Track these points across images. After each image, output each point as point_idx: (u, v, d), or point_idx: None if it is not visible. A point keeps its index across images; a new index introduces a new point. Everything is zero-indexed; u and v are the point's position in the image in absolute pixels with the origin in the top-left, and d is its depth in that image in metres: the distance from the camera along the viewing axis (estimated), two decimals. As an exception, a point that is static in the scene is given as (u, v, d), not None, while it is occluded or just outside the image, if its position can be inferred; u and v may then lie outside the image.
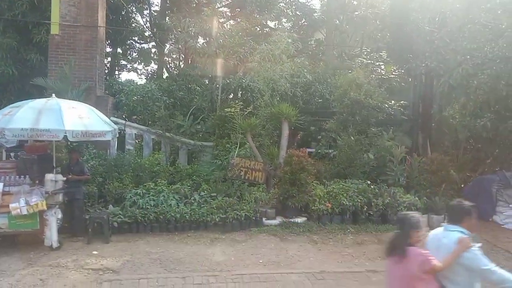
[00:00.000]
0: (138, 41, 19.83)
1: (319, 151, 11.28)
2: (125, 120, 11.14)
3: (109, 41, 15.65)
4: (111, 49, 17.53)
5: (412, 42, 9.95)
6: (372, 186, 8.98)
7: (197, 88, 11.80)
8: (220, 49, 9.99)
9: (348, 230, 8.26)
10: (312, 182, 9.08)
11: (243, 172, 8.99)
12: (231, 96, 10.55)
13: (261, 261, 6.57)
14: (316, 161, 10.73)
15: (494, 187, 9.28)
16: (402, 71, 13.23)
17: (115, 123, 10.45)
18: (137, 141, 11.02)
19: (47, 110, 6.60)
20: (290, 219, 8.47)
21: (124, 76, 22.60)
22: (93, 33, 10.36)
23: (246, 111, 9.23)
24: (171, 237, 7.71)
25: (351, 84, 9.67)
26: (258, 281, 5.74)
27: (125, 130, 10.54)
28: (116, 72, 19.39)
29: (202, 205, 8.29)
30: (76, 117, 6.68)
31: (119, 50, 18.70)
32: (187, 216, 7.97)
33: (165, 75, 18.74)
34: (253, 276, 5.88)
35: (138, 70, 22.31)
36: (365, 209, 8.53)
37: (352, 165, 9.70)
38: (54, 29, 10.31)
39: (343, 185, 8.89)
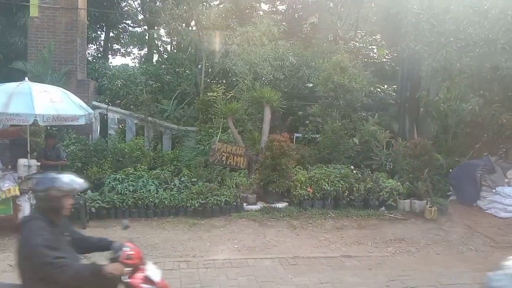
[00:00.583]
0: (132, 25, 19.49)
1: (306, 136, 11.19)
2: (108, 104, 11.03)
3: (99, 25, 15.38)
4: (103, 33, 17.22)
5: (400, 24, 9.77)
6: (354, 171, 8.89)
7: (187, 72, 11.61)
8: (203, 32, 9.77)
9: (329, 215, 8.20)
10: (294, 167, 9.03)
11: (224, 157, 8.89)
12: (215, 80, 10.35)
13: (236, 246, 6.53)
14: (303, 146, 10.67)
15: (479, 172, 9.20)
16: (395, 54, 13.06)
17: (97, 107, 10.41)
18: (120, 126, 10.90)
19: (18, 94, 6.45)
20: (271, 204, 8.40)
21: (119, 60, 22.19)
22: (73, 15, 10.15)
23: (228, 95, 9.06)
24: (149, 222, 7.66)
25: (335, 67, 9.50)
26: (229, 267, 5.69)
27: (107, 115, 10.43)
28: (110, 57, 19.15)
29: (182, 191, 8.23)
30: (48, 101, 6.53)
31: (112, 34, 18.38)
32: (166, 201, 7.91)
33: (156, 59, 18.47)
34: (225, 262, 5.83)
35: (132, 55, 22.03)
36: (346, 194, 8.46)
37: (336, 150, 9.61)
38: (34, 11, 10.09)
39: (325, 170, 8.80)
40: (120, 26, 17.57)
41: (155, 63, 14.90)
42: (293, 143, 11.53)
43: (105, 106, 10.41)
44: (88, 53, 16.14)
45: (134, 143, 9.08)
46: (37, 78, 8.80)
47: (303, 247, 6.60)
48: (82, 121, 6.94)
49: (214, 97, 9.10)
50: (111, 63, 16.43)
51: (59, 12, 10.04)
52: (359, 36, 17.71)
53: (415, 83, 11.04)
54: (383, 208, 8.57)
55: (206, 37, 9.78)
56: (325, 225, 7.76)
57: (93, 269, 2.71)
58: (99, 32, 16.29)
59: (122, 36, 19.64)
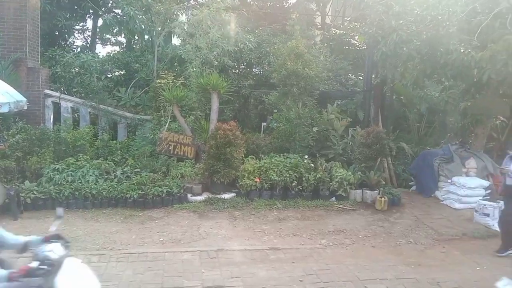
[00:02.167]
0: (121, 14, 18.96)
1: (270, 125, 10.88)
2: (64, 93, 10.76)
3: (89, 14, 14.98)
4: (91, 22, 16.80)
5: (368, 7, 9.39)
6: (305, 161, 8.59)
7: (144, 59, 11.28)
8: (155, 16, 9.41)
9: (275, 206, 7.94)
10: (247, 156, 8.75)
11: (172, 147, 8.62)
12: (169, 67, 10.02)
13: (162, 239, 6.27)
14: (267, 135, 10.38)
15: (436, 161, 8.88)
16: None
17: (49, 96, 10.14)
18: (76, 115, 10.65)
19: None
20: (217, 195, 8.14)
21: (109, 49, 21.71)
22: (23, 1, 9.79)
23: (177, 82, 8.74)
24: (85, 214, 7.42)
25: (290, 53, 9.13)
26: (144, 260, 5.44)
27: (60, 103, 10.17)
28: (100, 46, 18.74)
29: (123, 181, 7.98)
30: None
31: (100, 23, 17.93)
32: (104, 192, 7.66)
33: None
34: (141, 255, 5.58)
35: (123, 44, 21.54)
36: (294, 184, 8.17)
37: (291, 139, 9.29)
38: (-20, -4, 9.77)
39: (275, 159, 8.50)
40: (111, 15, 17.07)
41: (125, 51, 14.57)
42: (260, 132, 11.32)
43: (58, 94, 10.12)
44: (72, 43, 15.92)
45: (78, 132, 8.80)
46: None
47: (233, 240, 6.34)
48: (5, 109, 6.68)
49: (164, 85, 8.78)
50: (99, 52, 16.07)
51: (6, -3, 9.71)
52: (345, 24, 17.31)
53: (378, 70, 10.65)
54: (333, 198, 8.29)
55: (158, 22, 9.43)
56: (268, 216, 7.49)
57: None
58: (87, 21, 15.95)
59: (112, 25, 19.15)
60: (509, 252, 5.93)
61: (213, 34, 8.59)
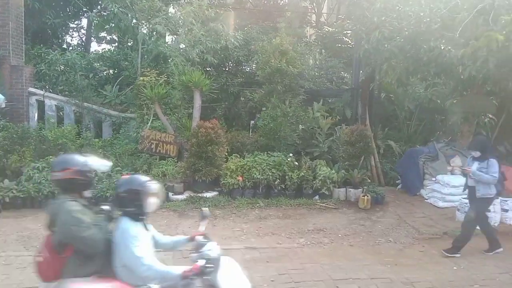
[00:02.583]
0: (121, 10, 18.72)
1: (257, 123, 10.80)
2: (49, 91, 10.68)
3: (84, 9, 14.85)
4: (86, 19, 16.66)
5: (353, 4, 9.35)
6: (289, 159, 8.51)
7: (130, 57, 11.20)
8: (139, 13, 9.32)
9: (258, 205, 7.87)
10: (231, 155, 8.68)
11: (154, 145, 8.55)
12: (154, 64, 9.92)
13: (137, 238, 6.19)
14: (254, 133, 10.31)
15: (421, 159, 8.81)
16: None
17: (33, 94, 10.07)
18: (61, 113, 10.56)
19: None
20: (199, 194, 8.08)
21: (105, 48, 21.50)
22: (5, -2, 9.71)
23: (160, 80, 8.66)
24: (64, 213, 7.35)
25: (274, 51, 9.05)
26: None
27: (44, 101, 10.09)
28: (96, 44, 18.63)
29: (104, 180, 7.90)
30: None
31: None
32: (84, 191, 7.58)
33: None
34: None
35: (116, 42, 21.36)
36: (276, 182, 8.10)
37: (275, 137, 9.22)
38: (-40, -6, 9.67)
39: (259, 158, 8.43)
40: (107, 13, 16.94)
41: (116, 49, 14.46)
42: (249, 130, 11.24)
43: (42, 92, 10.04)
44: (65, 41, 15.81)
45: (59, 130, 8.71)
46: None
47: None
48: (-22, 107, 6.58)
49: (146, 82, 8.69)
50: (95, 50, 15.91)
51: (-12, -5, 9.62)
52: (339, 21, 17.20)
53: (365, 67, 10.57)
54: (316, 197, 8.23)
55: (142, 19, 9.34)
56: (249, 215, 7.43)
57: None
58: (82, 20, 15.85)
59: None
60: (458, 255, 5.79)
61: (196, 31, 8.49)
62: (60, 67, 10.34)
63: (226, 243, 6.11)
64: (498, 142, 11.01)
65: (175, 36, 8.92)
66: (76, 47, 16.12)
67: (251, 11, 14.19)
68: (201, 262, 2.74)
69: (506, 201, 6.93)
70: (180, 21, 8.56)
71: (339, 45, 15.16)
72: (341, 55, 13.95)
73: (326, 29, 16.14)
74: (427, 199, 8.44)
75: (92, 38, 19.24)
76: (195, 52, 8.55)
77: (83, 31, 17.57)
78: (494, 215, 6.86)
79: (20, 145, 8.33)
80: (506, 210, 6.93)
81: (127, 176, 3.19)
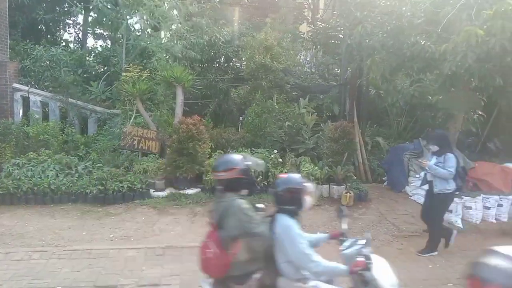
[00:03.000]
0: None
1: (245, 119, 10.73)
2: (35, 87, 10.60)
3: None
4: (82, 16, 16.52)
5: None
6: (273, 156, 8.44)
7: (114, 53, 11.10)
8: (123, 8, 9.22)
9: (240, 202, 7.79)
10: (215, 152, 8.60)
11: (136, 141, 8.47)
12: (139, 60, 9.82)
13: (112, 235, 6.15)
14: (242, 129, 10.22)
15: (406, 156, 8.72)
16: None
17: (18, 90, 9.99)
18: (47, 109, 10.48)
19: None
20: (181, 191, 8.01)
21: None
22: (-12, -6, 9.63)
23: (143, 75, 8.57)
24: (43, 209, 7.28)
25: (259, 46, 8.95)
26: (86, 258, 5.31)
27: (29, 97, 10.02)
28: (93, 41, 18.52)
29: (85, 176, 7.84)
30: None
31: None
32: (63, 187, 7.53)
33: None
34: (84, 252, 5.45)
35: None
36: (259, 179, 8.03)
37: (260, 134, 9.14)
38: None
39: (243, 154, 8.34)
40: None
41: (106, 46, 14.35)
42: (239, 127, 11.16)
43: (26, 88, 9.97)
44: (59, 37, 15.66)
45: (41, 126, 8.64)
46: None
47: (185, 236, 6.21)
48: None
49: (129, 78, 8.61)
50: (92, 45, 15.76)
51: (-28, -10, 9.55)
52: (334, 17, 17.04)
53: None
54: (299, 194, 8.13)
55: (126, 14, 9.23)
56: (229, 212, 7.34)
57: None
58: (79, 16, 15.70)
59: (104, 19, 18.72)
60: (435, 253, 5.69)
61: (178, 26, 8.40)
62: (45, 63, 10.23)
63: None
64: (488, 139, 10.94)
65: (158, 31, 8.78)
66: (73, 43, 15.99)
67: (246, 7, 14.04)
68: (362, 258, 2.88)
69: (488, 198, 6.85)
70: (162, 15, 8.43)
71: (332, 41, 15.08)
72: (335, 51, 13.89)
73: (320, 25, 16.04)
74: (411, 196, 8.35)
75: (89, 34, 19.25)
76: (178, 48, 8.45)
77: (79, 27, 17.44)
78: (476, 212, 6.79)
79: (1, 141, 8.27)
80: (488, 208, 6.84)
81: (285, 175, 3.36)
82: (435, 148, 5.53)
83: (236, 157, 3.30)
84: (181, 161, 7.85)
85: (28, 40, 11.35)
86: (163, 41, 8.64)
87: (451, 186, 5.40)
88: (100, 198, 7.57)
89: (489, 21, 6.05)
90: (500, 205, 6.87)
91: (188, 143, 7.81)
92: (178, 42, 8.58)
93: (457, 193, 5.78)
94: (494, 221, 6.87)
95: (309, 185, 3.24)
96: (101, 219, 6.87)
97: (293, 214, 3.17)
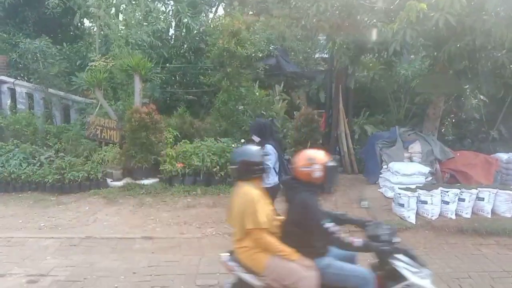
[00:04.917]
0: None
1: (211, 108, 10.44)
2: (24, 79, 10.97)
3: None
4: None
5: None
6: (237, 145, 8.14)
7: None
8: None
9: (194, 192, 7.62)
10: (180, 141, 8.47)
11: (99, 131, 8.52)
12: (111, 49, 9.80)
13: (43, 224, 6.21)
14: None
15: (379, 145, 8.07)
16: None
17: (4, 82, 10.39)
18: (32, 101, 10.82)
19: None
20: (138, 181, 7.96)
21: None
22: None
23: (108, 64, 8.57)
24: (2, 197, 7.54)
25: (224, 32, 8.62)
26: (3, 245, 5.37)
27: (15, 89, 10.39)
28: None
29: (46, 166, 8.00)
30: None
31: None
32: (23, 176, 7.74)
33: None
34: (4, 240, 5.52)
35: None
36: (215, 169, 7.78)
37: (228, 122, 8.86)
38: None
39: (201, 144, 8.14)
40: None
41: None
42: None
43: (12, 80, 10.34)
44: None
45: (12, 117, 8.92)
46: None
47: (115, 228, 6.13)
48: None
49: (94, 67, 8.65)
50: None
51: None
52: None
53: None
54: (260, 185, 7.79)
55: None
56: (178, 203, 7.20)
57: None
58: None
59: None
60: None
61: (133, 13, 8.24)
62: (31, 55, 10.52)
63: (127, 232, 5.98)
64: (491, 126, 9.93)
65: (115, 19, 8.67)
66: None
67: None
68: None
69: (447, 192, 6.15)
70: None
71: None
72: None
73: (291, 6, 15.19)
74: (380, 188, 7.73)
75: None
76: (135, 35, 8.33)
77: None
78: (432, 207, 6.13)
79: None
80: (447, 202, 6.14)
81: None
82: (256, 138, 4.88)
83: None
84: (135, 150, 7.79)
85: (20, 34, 11.71)
86: (120, 28, 8.54)
87: (270, 180, 4.60)
88: (58, 187, 7.71)
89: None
90: (461, 200, 6.14)
91: (141, 132, 7.72)
92: (136, 30, 8.44)
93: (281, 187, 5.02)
94: (454, 217, 6.16)
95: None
96: (48, 208, 6.97)
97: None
